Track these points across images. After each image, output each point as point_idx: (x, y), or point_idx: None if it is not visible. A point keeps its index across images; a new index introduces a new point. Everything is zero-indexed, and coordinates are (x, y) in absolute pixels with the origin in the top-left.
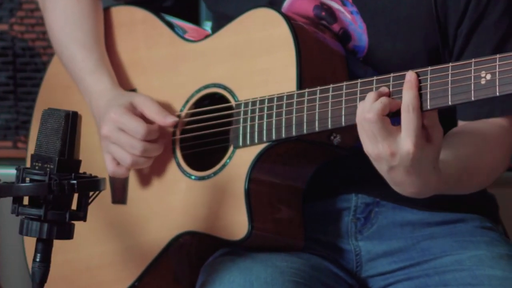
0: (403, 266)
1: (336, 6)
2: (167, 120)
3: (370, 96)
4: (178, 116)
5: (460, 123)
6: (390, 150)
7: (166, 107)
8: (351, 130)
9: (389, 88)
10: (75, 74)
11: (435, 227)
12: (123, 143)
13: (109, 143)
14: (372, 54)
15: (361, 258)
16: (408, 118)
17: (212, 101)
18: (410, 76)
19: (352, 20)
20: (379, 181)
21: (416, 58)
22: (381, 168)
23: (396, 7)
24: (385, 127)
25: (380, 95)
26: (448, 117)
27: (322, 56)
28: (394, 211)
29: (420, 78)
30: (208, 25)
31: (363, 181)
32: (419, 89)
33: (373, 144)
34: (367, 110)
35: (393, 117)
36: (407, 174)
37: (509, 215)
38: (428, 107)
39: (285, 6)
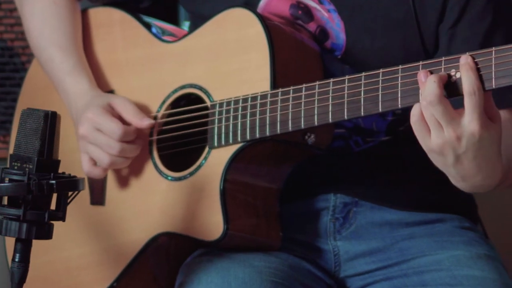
0: (381, 266)
1: (313, 4)
2: (144, 123)
3: (427, 81)
4: (155, 117)
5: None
6: (455, 134)
7: (143, 108)
8: (325, 129)
9: (361, 87)
10: (53, 76)
11: (414, 227)
12: (101, 143)
13: (87, 143)
14: (350, 52)
15: (339, 258)
16: (473, 100)
17: (189, 101)
18: (467, 58)
19: (329, 18)
20: (358, 180)
21: (394, 56)
22: (447, 161)
23: (374, 5)
24: (448, 110)
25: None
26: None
27: (297, 56)
28: (373, 211)
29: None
30: (187, 25)
31: (342, 180)
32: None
33: (437, 133)
34: (425, 95)
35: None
36: (474, 161)
37: (490, 215)
38: (493, 86)
39: (261, 6)
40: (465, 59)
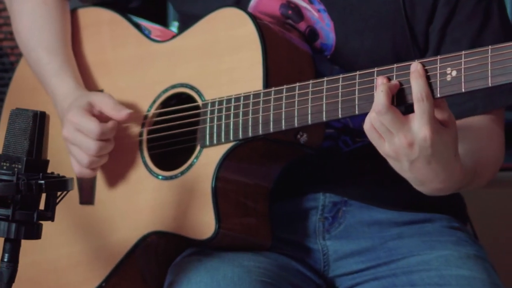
0: (370, 265)
1: (303, 4)
2: (122, 113)
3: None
4: (145, 116)
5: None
6: (406, 140)
7: (133, 108)
8: (317, 129)
9: (356, 86)
10: (41, 76)
11: (403, 226)
12: (79, 143)
13: (69, 144)
14: (340, 52)
15: (328, 258)
16: (422, 107)
17: (179, 101)
18: (417, 66)
19: (319, 18)
20: (347, 180)
21: (384, 56)
22: (403, 167)
23: (364, 5)
24: (397, 117)
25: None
26: None
27: (288, 55)
28: (362, 210)
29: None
30: (176, 26)
31: (331, 180)
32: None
33: (389, 141)
34: (373, 106)
35: (399, 106)
36: (429, 165)
37: (479, 215)
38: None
39: (251, 5)
40: (414, 67)
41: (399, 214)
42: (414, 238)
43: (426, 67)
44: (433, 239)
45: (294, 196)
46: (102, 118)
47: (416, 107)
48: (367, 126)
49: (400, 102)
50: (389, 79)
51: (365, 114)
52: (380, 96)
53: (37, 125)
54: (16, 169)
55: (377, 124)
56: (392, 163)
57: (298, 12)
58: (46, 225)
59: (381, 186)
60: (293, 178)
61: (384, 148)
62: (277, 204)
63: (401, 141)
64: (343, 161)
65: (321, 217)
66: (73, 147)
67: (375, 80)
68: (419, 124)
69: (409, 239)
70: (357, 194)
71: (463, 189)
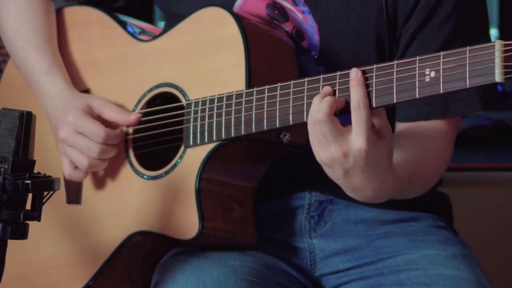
0: (357, 264)
1: (287, 5)
2: (131, 117)
3: (316, 99)
4: None
5: (400, 125)
6: (342, 150)
7: (119, 107)
8: (300, 128)
9: (336, 86)
10: (29, 76)
11: (389, 225)
12: (81, 146)
13: (66, 146)
14: (324, 54)
15: (315, 256)
16: (358, 116)
17: (164, 100)
18: (356, 73)
19: (303, 19)
20: None
21: (367, 58)
22: (337, 174)
23: (347, 7)
24: (335, 127)
25: (324, 95)
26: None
27: (273, 55)
28: (348, 208)
29: (366, 75)
30: (162, 26)
31: (317, 179)
32: (367, 86)
33: (324, 148)
34: (315, 111)
35: (341, 115)
36: (363, 175)
37: (463, 215)
38: (374, 105)
39: (237, 5)
40: (354, 74)
41: (385, 212)
42: (401, 237)
43: (404, 67)
44: (420, 238)
45: (280, 195)
46: (101, 121)
47: (353, 116)
48: (309, 129)
49: (342, 111)
50: (334, 92)
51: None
52: (324, 105)
53: (23, 125)
54: (2, 169)
55: (315, 131)
56: (326, 170)
57: (283, 13)
58: (33, 224)
59: None
60: (279, 177)
61: (320, 154)
62: (263, 203)
63: (337, 150)
64: None
65: (307, 215)
66: (70, 149)
67: None
68: (355, 134)
69: (395, 238)
70: (343, 193)
71: (396, 197)
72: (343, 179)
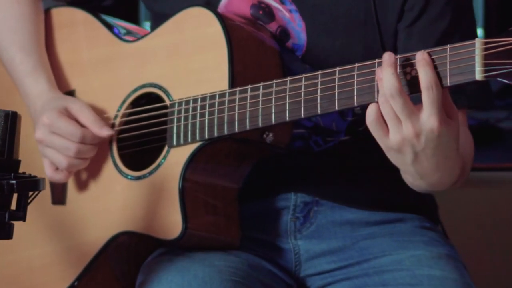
0: (342, 265)
1: (274, 4)
2: (103, 132)
3: (386, 73)
4: (115, 116)
5: None
6: (414, 130)
7: (104, 108)
8: (283, 128)
9: (318, 85)
10: (14, 76)
11: (375, 226)
12: (57, 146)
13: (44, 146)
14: (311, 52)
15: (300, 257)
16: (431, 96)
17: (149, 100)
18: (423, 54)
19: (290, 18)
20: (319, 180)
21: (355, 56)
22: (406, 159)
23: (335, 4)
24: (408, 104)
25: (392, 66)
26: None
27: (256, 55)
28: (333, 210)
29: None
30: (148, 26)
31: (302, 180)
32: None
33: (395, 129)
34: (385, 89)
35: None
36: (433, 158)
37: (451, 215)
38: (448, 83)
39: (221, 5)
40: (421, 55)
41: (371, 214)
42: (386, 238)
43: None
44: (405, 239)
45: (265, 196)
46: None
47: (424, 96)
48: (371, 118)
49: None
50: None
51: (330, 114)
52: (392, 79)
53: (8, 125)
54: None
55: (386, 110)
56: (394, 156)
57: (270, 13)
58: (19, 225)
59: (352, 186)
60: (264, 178)
61: (388, 140)
62: (249, 204)
63: (409, 130)
64: (315, 161)
65: (293, 217)
66: (48, 150)
67: (336, 79)
68: (427, 114)
69: (381, 239)
70: (328, 194)
71: (456, 184)
72: (412, 165)
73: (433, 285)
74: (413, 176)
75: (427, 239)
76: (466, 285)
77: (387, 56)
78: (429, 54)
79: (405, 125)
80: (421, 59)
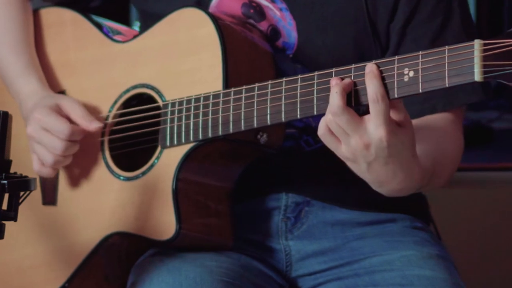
0: (333, 265)
1: (265, 3)
2: (92, 125)
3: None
4: (106, 117)
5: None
6: (362, 141)
7: (95, 108)
8: (277, 129)
9: (314, 86)
10: (5, 77)
11: (366, 227)
12: (46, 142)
13: (33, 142)
14: (302, 51)
15: (291, 258)
16: (377, 107)
17: (141, 101)
18: (371, 66)
19: (281, 17)
20: (310, 180)
21: (346, 54)
22: (360, 168)
23: (326, 3)
24: (352, 118)
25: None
26: None
27: (249, 55)
28: (324, 210)
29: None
30: (138, 26)
31: (294, 180)
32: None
33: (345, 143)
34: (330, 107)
35: (356, 106)
36: (386, 166)
37: (442, 215)
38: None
39: (212, 5)
40: (369, 68)
41: (362, 214)
42: (377, 238)
43: (382, 68)
44: (396, 239)
45: (256, 196)
46: (69, 121)
47: (371, 108)
48: (322, 131)
49: (357, 102)
50: (342, 78)
51: (322, 115)
52: (335, 97)
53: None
54: None
55: (333, 126)
56: (351, 165)
57: (260, 11)
58: (9, 225)
59: (344, 186)
60: (255, 178)
61: (341, 150)
62: (240, 204)
63: (357, 142)
64: (305, 161)
65: (284, 217)
66: (37, 146)
67: None
68: (374, 125)
69: (371, 239)
70: (319, 194)
71: (422, 189)
72: (367, 173)
73: (424, 285)
74: (372, 183)
75: (418, 239)
76: (456, 285)
77: (333, 81)
78: (378, 65)
79: (353, 138)
80: (368, 71)
